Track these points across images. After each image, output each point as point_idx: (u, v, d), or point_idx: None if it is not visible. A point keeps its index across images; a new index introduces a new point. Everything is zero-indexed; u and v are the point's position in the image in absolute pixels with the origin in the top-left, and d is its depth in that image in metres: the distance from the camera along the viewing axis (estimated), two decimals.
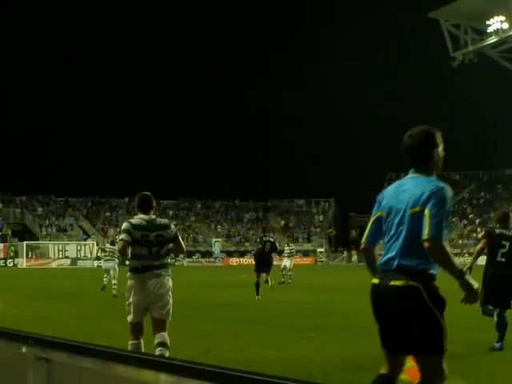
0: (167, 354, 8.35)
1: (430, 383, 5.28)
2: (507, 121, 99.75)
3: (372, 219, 5.60)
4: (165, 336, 8.59)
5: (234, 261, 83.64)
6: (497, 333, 11.28)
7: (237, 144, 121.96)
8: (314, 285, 33.79)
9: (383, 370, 5.65)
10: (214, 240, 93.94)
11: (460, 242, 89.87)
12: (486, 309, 11.55)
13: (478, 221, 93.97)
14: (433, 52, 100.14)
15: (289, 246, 36.03)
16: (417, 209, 5.22)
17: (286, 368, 9.32)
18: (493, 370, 9.40)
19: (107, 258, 26.58)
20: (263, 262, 24.48)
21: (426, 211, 5.15)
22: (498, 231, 11.60)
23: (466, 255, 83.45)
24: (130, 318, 8.67)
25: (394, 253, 5.29)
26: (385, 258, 5.37)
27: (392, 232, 5.37)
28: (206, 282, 32.11)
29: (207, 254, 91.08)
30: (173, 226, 9.03)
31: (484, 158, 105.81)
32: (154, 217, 8.88)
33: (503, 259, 11.36)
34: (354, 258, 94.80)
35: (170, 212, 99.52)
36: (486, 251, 11.69)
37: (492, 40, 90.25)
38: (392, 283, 5.17)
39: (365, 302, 5.77)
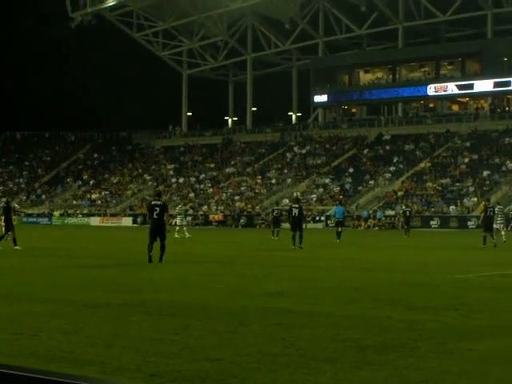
0: None
1: None
2: (124, 84, 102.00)
3: None
4: None
5: None
6: None
7: None
8: None
9: None
10: None
11: (74, 202, 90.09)
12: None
13: (92, 182, 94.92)
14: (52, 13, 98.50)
15: None
16: None
17: None
18: None
19: None
20: None
21: None
22: (153, 202, 20.84)
23: (80, 215, 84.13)
24: None
25: None
26: None
27: None
28: None
29: None
30: None
31: (100, 120, 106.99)
32: None
33: (156, 216, 20.06)
34: None
35: None
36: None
37: (110, 3, 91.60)
38: None
39: None
